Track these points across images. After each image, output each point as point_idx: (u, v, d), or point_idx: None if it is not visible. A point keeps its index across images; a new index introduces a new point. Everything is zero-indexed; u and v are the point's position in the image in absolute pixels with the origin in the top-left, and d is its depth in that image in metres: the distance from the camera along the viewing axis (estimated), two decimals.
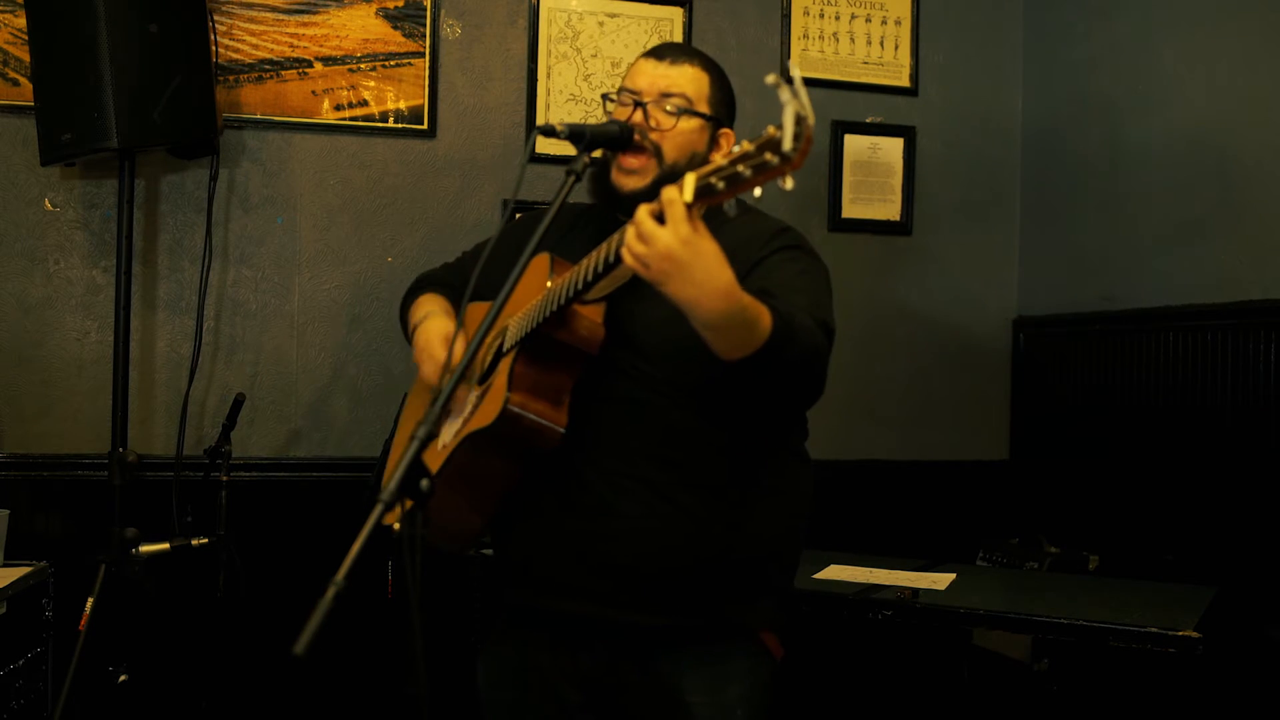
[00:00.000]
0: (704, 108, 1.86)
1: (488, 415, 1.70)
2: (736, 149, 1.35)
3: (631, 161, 1.82)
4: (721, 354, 1.54)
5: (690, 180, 1.39)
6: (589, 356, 1.73)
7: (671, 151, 1.82)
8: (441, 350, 1.88)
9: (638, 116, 1.82)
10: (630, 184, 1.82)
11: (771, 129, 1.29)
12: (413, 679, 1.27)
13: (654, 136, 1.81)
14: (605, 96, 1.89)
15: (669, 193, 1.41)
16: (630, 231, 1.45)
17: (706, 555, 1.76)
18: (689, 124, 1.83)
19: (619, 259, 1.50)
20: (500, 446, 1.73)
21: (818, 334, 1.65)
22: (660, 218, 1.42)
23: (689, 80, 1.85)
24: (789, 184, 1.30)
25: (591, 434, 1.74)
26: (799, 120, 1.26)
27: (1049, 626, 2.26)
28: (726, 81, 1.92)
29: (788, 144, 1.26)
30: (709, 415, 1.76)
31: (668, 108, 1.82)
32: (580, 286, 1.62)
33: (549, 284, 1.70)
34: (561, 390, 1.72)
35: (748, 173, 1.32)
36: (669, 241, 1.40)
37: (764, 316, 1.52)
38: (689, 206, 1.40)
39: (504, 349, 1.78)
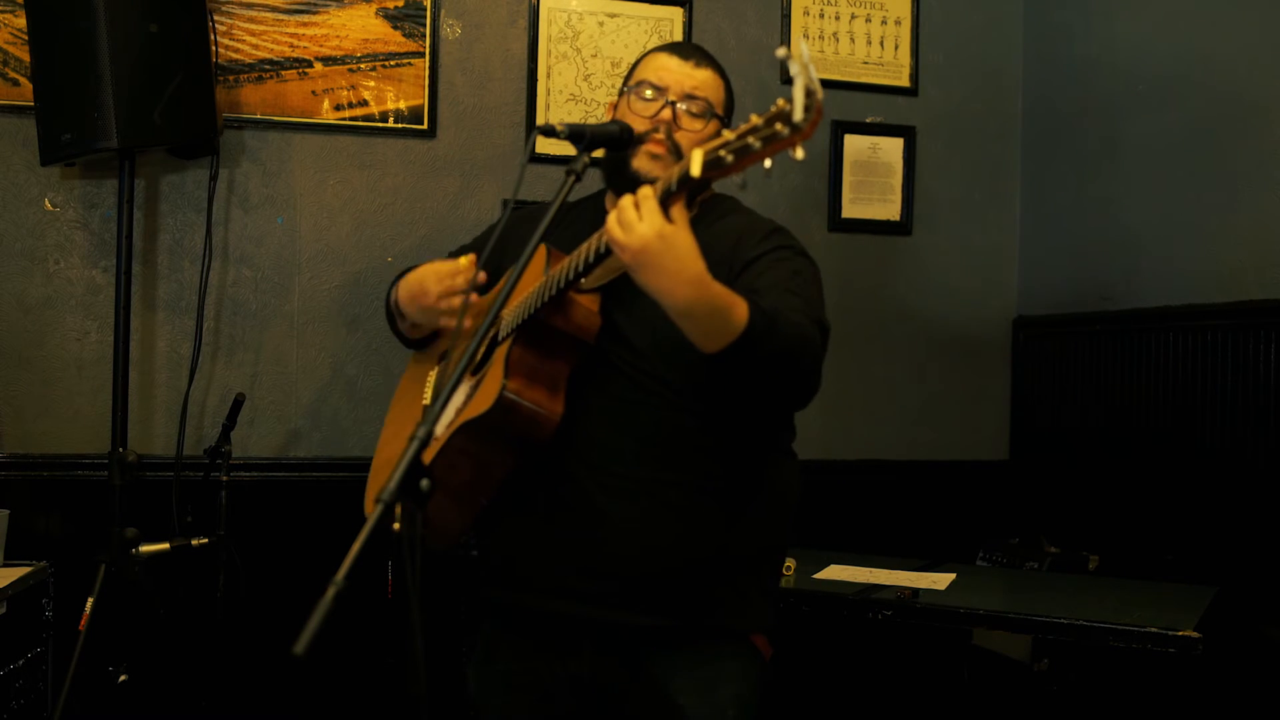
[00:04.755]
0: (720, 111, 1.91)
1: (483, 403, 1.69)
2: (744, 124, 1.38)
3: (657, 148, 1.83)
4: (700, 345, 1.56)
5: (698, 155, 1.42)
6: (586, 345, 1.73)
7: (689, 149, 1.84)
8: (442, 264, 1.89)
9: (666, 114, 1.84)
10: (653, 170, 1.81)
11: (781, 101, 1.33)
12: (413, 679, 1.27)
13: (677, 136, 1.84)
14: (625, 89, 1.92)
15: (644, 189, 1.49)
16: (612, 217, 1.51)
17: (697, 556, 1.76)
18: (710, 127, 1.87)
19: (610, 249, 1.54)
20: (495, 436, 1.71)
21: (809, 329, 1.66)
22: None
23: (710, 84, 1.89)
24: (800, 154, 1.33)
25: (583, 432, 1.73)
26: (809, 93, 1.29)
27: (1049, 626, 2.26)
28: (730, 84, 1.97)
29: (798, 115, 1.30)
30: (701, 415, 1.75)
31: (693, 109, 1.86)
32: (578, 270, 1.63)
33: (546, 273, 1.70)
34: (558, 379, 1.72)
35: (757, 144, 1.36)
36: (644, 232, 1.47)
37: (738, 307, 1.54)
38: (671, 195, 1.47)
39: (499, 337, 1.77)
